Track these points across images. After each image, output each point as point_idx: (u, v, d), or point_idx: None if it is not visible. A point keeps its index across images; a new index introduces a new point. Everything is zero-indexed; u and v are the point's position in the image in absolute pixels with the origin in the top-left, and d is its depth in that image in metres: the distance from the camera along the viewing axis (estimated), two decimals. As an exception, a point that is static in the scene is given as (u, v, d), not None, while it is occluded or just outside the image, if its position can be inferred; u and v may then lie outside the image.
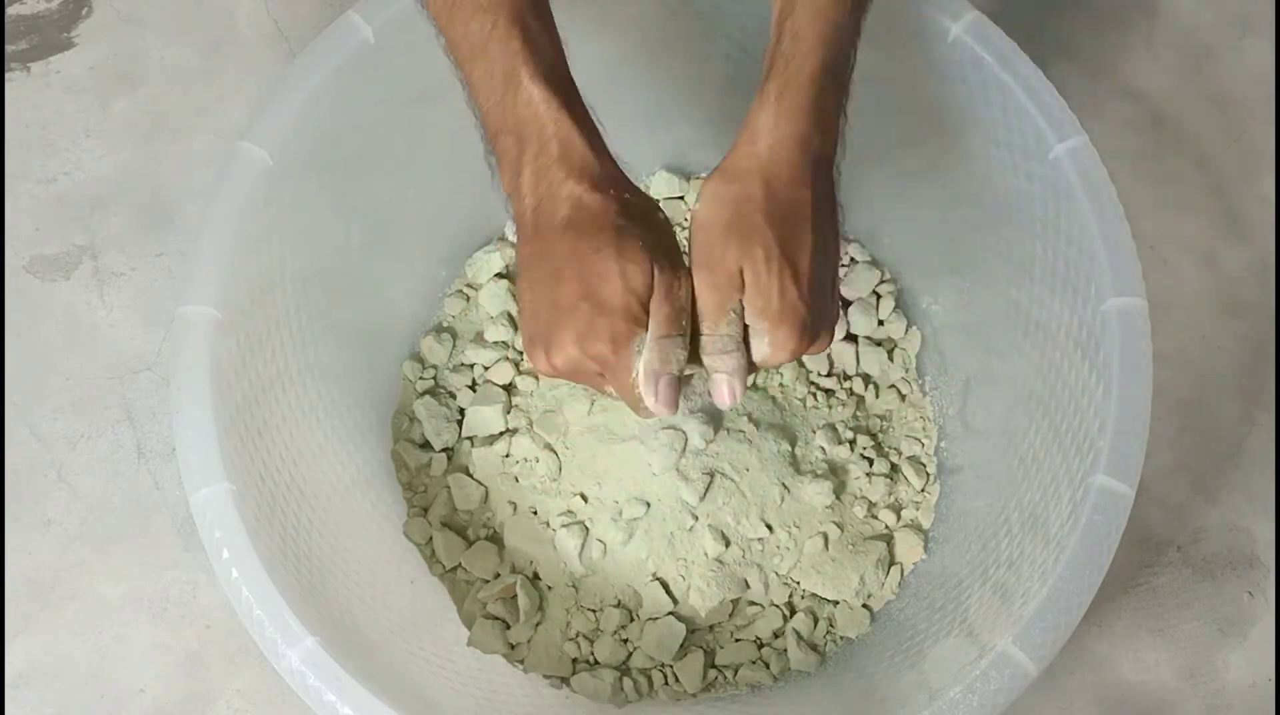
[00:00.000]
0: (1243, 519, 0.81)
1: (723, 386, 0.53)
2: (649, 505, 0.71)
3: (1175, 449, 0.82)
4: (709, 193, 0.53)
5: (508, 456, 0.74)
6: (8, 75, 0.91)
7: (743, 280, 0.52)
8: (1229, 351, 0.85)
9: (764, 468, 0.72)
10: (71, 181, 0.88)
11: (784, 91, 0.53)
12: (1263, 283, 0.87)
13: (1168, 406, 0.82)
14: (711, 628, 0.72)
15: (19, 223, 0.87)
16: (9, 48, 0.92)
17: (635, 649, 0.70)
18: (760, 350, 0.53)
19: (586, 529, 0.71)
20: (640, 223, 0.53)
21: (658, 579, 0.70)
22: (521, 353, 0.78)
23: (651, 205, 0.55)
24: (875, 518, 0.74)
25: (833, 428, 0.76)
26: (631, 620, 0.71)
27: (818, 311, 0.53)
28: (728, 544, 0.71)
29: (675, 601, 0.70)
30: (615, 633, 0.70)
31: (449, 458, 0.76)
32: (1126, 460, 0.58)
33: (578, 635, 0.71)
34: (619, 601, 0.71)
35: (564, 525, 0.72)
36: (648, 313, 0.52)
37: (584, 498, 0.72)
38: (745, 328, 0.53)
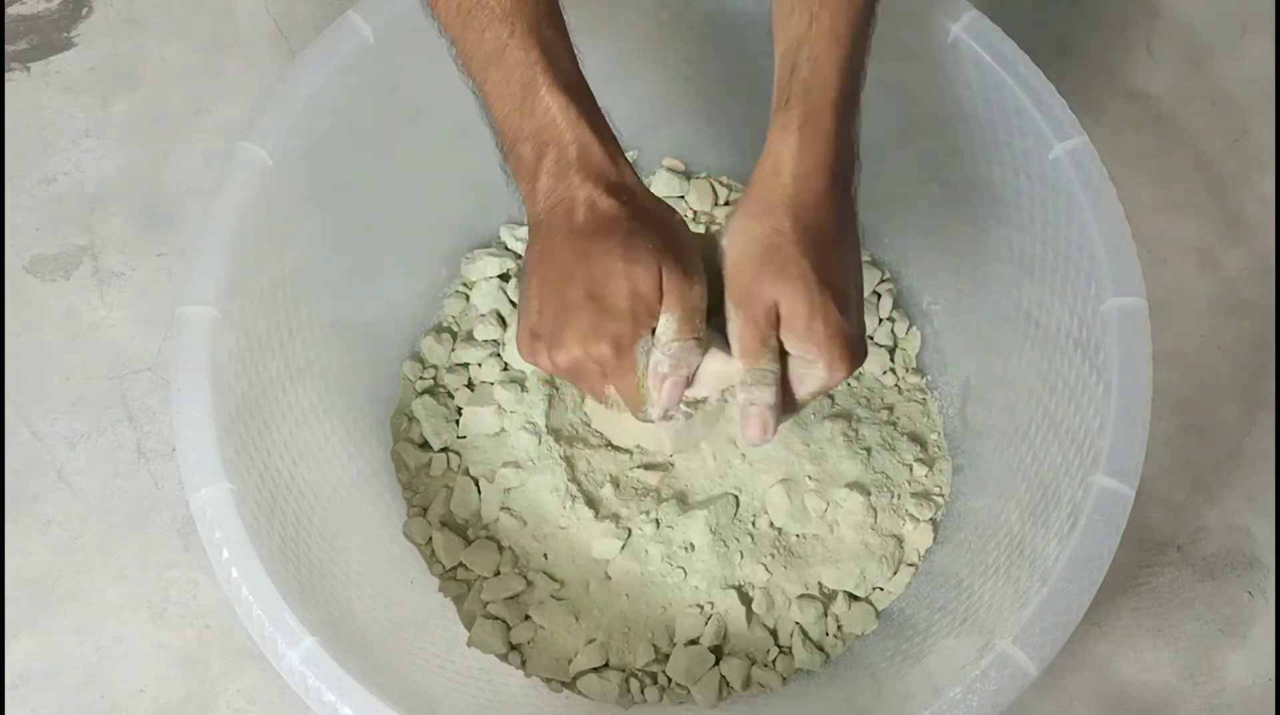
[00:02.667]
0: (1243, 519, 0.81)
1: (755, 420, 0.53)
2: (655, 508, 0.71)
3: (1175, 449, 0.82)
4: (738, 229, 0.53)
5: (508, 457, 0.74)
6: (8, 75, 0.91)
7: (778, 314, 0.52)
8: (1229, 351, 0.85)
9: (788, 461, 0.72)
10: (71, 181, 0.88)
11: (808, 119, 0.53)
12: (1262, 283, 0.87)
13: (1168, 406, 0.82)
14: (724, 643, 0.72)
15: (19, 223, 0.87)
16: (9, 48, 0.92)
17: (652, 657, 0.70)
18: (815, 378, 0.53)
19: (589, 529, 0.72)
20: (654, 227, 0.53)
21: (693, 605, 0.71)
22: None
23: (667, 211, 0.55)
24: (894, 512, 0.74)
25: (845, 420, 0.76)
26: (644, 627, 0.71)
27: (859, 331, 0.54)
28: (735, 542, 0.71)
29: (704, 621, 0.71)
30: (625, 637, 0.70)
31: (449, 458, 0.76)
32: (1126, 460, 0.58)
33: (588, 641, 0.71)
34: (624, 606, 0.71)
35: (564, 526, 0.72)
36: (656, 316, 0.52)
37: (587, 498, 0.72)
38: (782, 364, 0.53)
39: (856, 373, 0.78)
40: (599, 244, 0.52)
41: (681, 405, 0.55)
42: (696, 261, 0.54)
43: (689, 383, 0.54)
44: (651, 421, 0.55)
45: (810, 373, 0.53)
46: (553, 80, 0.53)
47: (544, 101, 0.53)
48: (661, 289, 0.52)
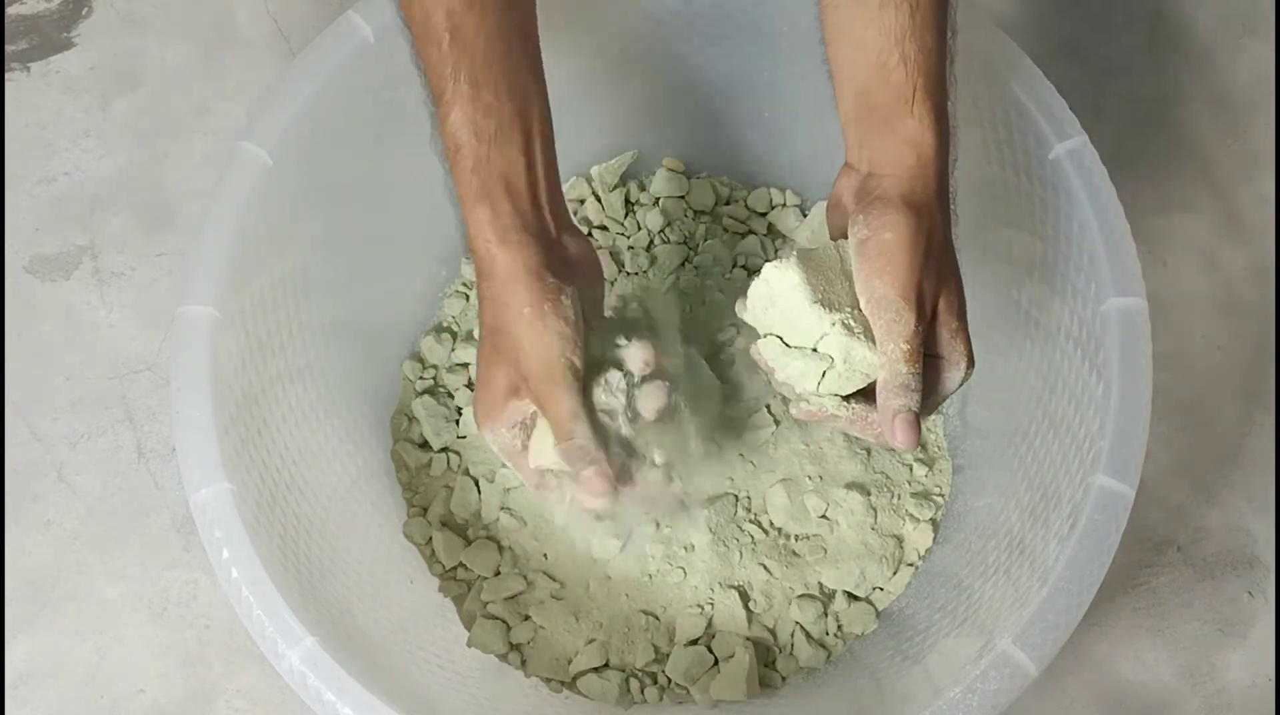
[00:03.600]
0: (1243, 519, 0.81)
1: (909, 427, 0.52)
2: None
3: (1175, 449, 0.82)
4: (895, 223, 0.51)
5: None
6: (8, 75, 0.91)
7: (935, 313, 0.52)
8: (1229, 351, 0.85)
9: (788, 461, 0.72)
10: (71, 181, 0.88)
11: (939, 115, 0.53)
12: (1263, 283, 0.87)
13: (1168, 406, 0.82)
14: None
15: (19, 223, 0.87)
16: (9, 48, 0.92)
17: (652, 657, 0.70)
18: (951, 379, 0.53)
19: (591, 529, 0.72)
20: (520, 348, 0.54)
21: (695, 605, 0.71)
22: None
23: (534, 311, 0.54)
24: (894, 512, 0.74)
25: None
26: (644, 629, 0.71)
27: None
28: (739, 543, 0.71)
29: (707, 623, 0.71)
30: (625, 637, 0.70)
31: (449, 458, 0.76)
32: (1126, 460, 0.58)
33: (588, 641, 0.70)
34: (624, 606, 0.71)
35: (564, 527, 0.72)
36: (516, 419, 0.56)
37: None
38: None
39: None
40: (482, 357, 0.56)
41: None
42: (559, 372, 0.53)
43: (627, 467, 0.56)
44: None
45: (946, 374, 0.53)
46: (465, 154, 0.54)
47: (460, 177, 0.55)
48: (512, 404, 0.55)
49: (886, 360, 0.51)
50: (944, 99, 0.54)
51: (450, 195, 0.56)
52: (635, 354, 0.56)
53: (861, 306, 0.52)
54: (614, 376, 0.56)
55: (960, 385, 0.54)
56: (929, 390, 0.53)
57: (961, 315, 0.53)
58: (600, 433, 0.55)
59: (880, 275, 0.51)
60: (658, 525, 0.72)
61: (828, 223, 0.58)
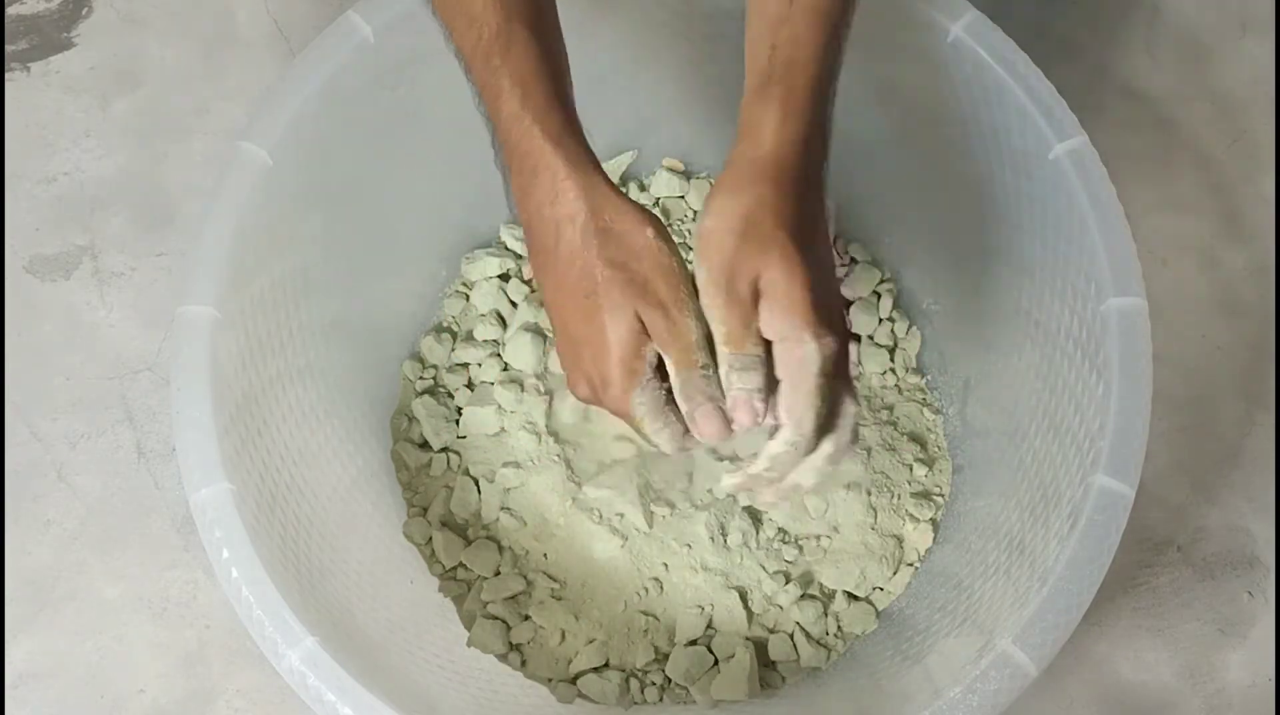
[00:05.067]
0: (1243, 519, 0.81)
1: (743, 405, 0.51)
2: (663, 506, 0.71)
3: (1175, 449, 0.82)
4: (716, 207, 0.52)
5: (508, 457, 0.74)
6: (8, 75, 0.91)
7: (758, 291, 0.51)
8: (1229, 351, 0.85)
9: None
10: (71, 181, 0.88)
11: (788, 97, 0.53)
12: (1263, 283, 0.87)
13: (1168, 406, 0.82)
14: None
15: (19, 223, 0.87)
16: (9, 48, 0.92)
17: (652, 657, 0.70)
18: (809, 358, 0.51)
19: (589, 529, 0.72)
20: (629, 260, 0.52)
21: (696, 606, 0.71)
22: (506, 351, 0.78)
23: (639, 233, 0.53)
24: (894, 512, 0.74)
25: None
26: (644, 629, 0.71)
27: (839, 303, 0.53)
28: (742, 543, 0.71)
29: (708, 623, 0.71)
30: (625, 637, 0.70)
31: (449, 458, 0.76)
32: (1126, 460, 0.58)
33: (588, 641, 0.70)
34: (624, 606, 0.71)
35: (563, 526, 0.72)
36: (644, 358, 0.52)
37: (588, 499, 0.72)
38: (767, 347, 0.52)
39: (856, 373, 0.79)
40: (580, 287, 0.52)
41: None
42: (678, 289, 0.52)
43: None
44: (685, 450, 0.55)
45: (801, 352, 0.51)
46: (526, 95, 0.53)
47: (523, 119, 0.53)
48: (645, 331, 0.52)
49: (722, 345, 0.51)
50: (809, 89, 0.53)
51: (491, 139, 0.55)
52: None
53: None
54: None
55: (826, 360, 0.51)
56: (794, 371, 0.51)
57: (804, 285, 0.50)
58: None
59: (699, 261, 0.51)
60: (652, 526, 0.72)
61: None
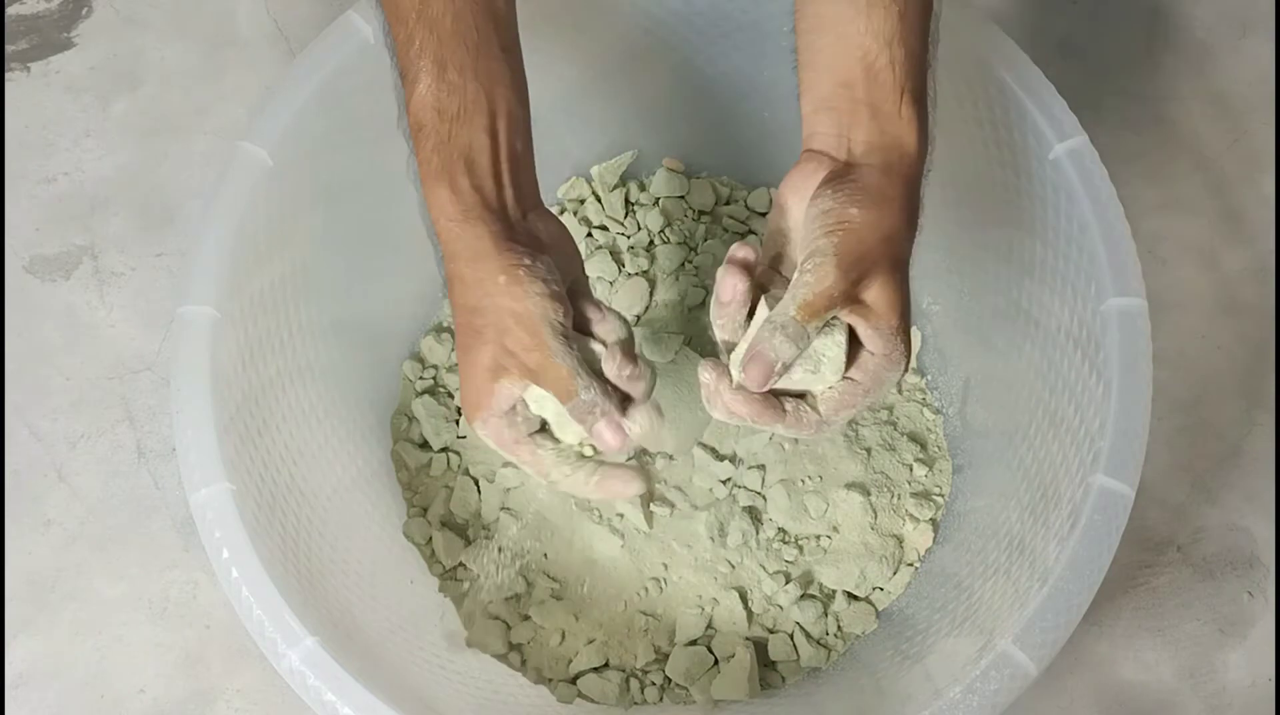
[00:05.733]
0: (1243, 519, 0.81)
1: (764, 365, 0.50)
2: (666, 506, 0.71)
3: (1175, 449, 0.82)
4: (865, 202, 0.51)
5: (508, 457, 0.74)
6: (8, 75, 0.91)
7: (859, 297, 0.51)
8: (1229, 351, 0.85)
9: (788, 461, 0.73)
10: (71, 181, 0.88)
11: (920, 116, 0.54)
12: (1263, 283, 0.87)
13: (1168, 406, 0.82)
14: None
15: (19, 223, 0.87)
16: (9, 48, 0.92)
17: (652, 657, 0.70)
18: (891, 376, 0.52)
19: (589, 529, 0.72)
20: (480, 306, 0.53)
21: (699, 604, 0.71)
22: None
23: (490, 282, 0.53)
24: (894, 512, 0.74)
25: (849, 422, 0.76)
26: (644, 629, 0.71)
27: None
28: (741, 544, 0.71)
29: (708, 623, 0.71)
30: (625, 637, 0.70)
31: (449, 458, 0.76)
32: (1126, 460, 0.58)
33: (588, 641, 0.70)
34: (624, 606, 0.71)
35: (563, 526, 0.72)
36: (494, 395, 0.54)
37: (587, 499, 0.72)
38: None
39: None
40: (461, 344, 0.55)
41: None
42: (538, 332, 0.52)
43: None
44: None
45: (885, 372, 0.52)
46: (439, 121, 0.53)
47: (428, 156, 0.54)
48: (504, 368, 0.53)
49: (785, 301, 0.50)
50: (926, 108, 0.54)
51: (413, 177, 0.55)
52: (611, 326, 0.56)
53: (798, 263, 0.51)
54: (594, 345, 0.55)
55: (890, 386, 0.53)
56: (866, 388, 0.52)
57: (904, 316, 0.52)
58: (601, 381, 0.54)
59: (828, 234, 0.51)
60: (650, 525, 0.72)
61: (778, 204, 0.56)
